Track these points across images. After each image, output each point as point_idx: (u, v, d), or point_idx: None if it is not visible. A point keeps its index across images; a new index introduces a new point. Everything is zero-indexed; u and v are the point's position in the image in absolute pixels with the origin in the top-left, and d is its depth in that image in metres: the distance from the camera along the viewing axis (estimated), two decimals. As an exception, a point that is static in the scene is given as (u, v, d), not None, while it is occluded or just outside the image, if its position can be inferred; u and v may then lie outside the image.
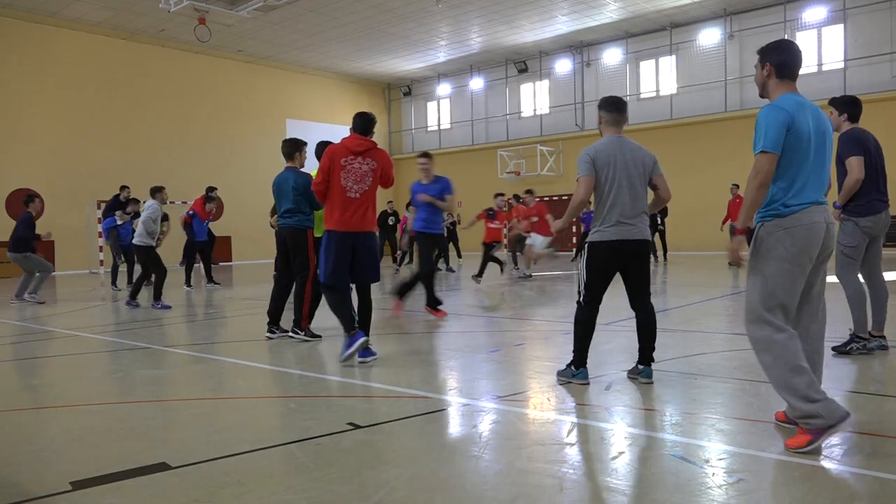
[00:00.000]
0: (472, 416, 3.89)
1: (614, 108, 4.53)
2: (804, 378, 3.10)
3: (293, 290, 6.78)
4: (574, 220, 4.48)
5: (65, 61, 20.46)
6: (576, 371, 4.50)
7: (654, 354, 4.50)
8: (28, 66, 19.79)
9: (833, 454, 3.05)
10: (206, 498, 2.72)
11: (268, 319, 6.83)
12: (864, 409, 3.79)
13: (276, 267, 6.98)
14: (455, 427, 3.73)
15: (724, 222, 16.52)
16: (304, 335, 6.66)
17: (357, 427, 3.64)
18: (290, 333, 6.73)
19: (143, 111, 22.14)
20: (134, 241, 10.07)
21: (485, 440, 3.43)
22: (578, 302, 4.50)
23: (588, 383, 4.46)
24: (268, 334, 6.81)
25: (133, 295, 10.13)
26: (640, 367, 4.50)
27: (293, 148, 6.76)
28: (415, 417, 3.87)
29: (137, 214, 13.43)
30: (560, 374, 4.62)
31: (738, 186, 16.00)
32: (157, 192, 10.14)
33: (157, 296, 9.86)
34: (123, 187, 13.76)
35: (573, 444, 3.32)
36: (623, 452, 3.17)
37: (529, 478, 2.90)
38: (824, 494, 2.64)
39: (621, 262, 4.43)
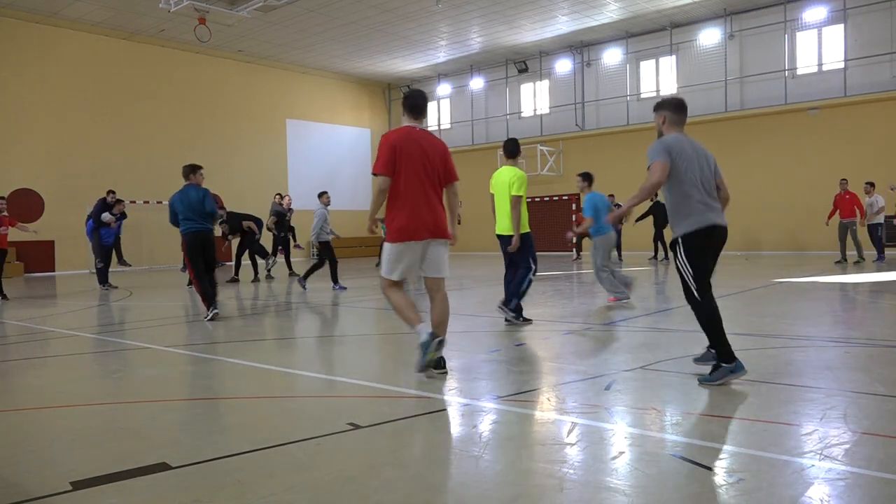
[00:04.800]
0: (472, 416, 3.89)
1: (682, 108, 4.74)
2: None
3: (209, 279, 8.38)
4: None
5: (65, 61, 20.47)
6: (731, 365, 4.36)
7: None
8: (28, 66, 19.80)
9: (833, 454, 3.05)
10: (207, 498, 2.72)
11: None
12: (865, 410, 3.79)
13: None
14: (455, 427, 3.73)
15: (829, 216, 15.97)
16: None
17: (357, 427, 3.64)
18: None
19: (143, 111, 22.14)
20: (321, 239, 12.16)
21: (485, 440, 3.42)
22: (693, 298, 4.48)
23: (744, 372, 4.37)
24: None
25: (306, 276, 12.19)
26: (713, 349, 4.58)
27: (190, 170, 8.48)
28: (415, 417, 3.87)
29: (124, 215, 13.97)
30: (710, 379, 4.38)
31: (846, 181, 15.52)
32: (322, 195, 12.57)
33: (336, 279, 12.01)
34: (110, 191, 14.25)
35: (573, 444, 3.32)
36: (623, 452, 3.17)
37: (529, 478, 2.90)
38: (824, 494, 2.64)
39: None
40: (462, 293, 11.12)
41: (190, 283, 13.22)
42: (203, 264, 8.33)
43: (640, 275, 14.37)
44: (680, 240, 4.50)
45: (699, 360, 4.65)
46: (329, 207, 12.60)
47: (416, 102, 5.01)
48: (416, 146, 4.86)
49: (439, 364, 4.84)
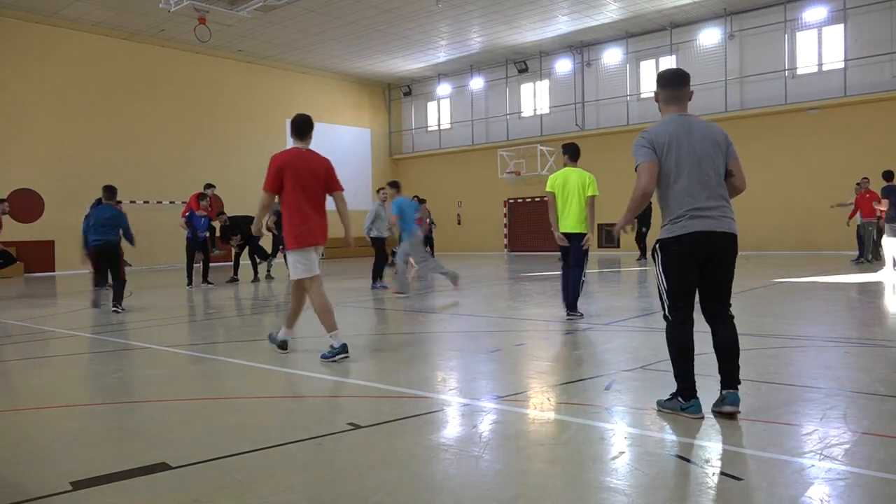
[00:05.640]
0: (472, 416, 3.89)
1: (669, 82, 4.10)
2: None
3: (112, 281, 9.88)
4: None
5: (65, 61, 20.46)
6: (685, 403, 3.64)
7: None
8: (28, 66, 19.78)
9: (833, 454, 3.05)
10: (206, 498, 2.72)
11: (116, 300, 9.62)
12: (865, 410, 3.79)
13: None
14: (455, 427, 3.73)
15: (850, 217, 15.67)
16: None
17: (357, 427, 3.64)
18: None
19: (143, 111, 22.13)
20: (372, 235, 12.18)
21: (485, 440, 3.42)
22: (665, 317, 3.76)
23: (702, 417, 3.61)
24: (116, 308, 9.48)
25: (377, 278, 12.13)
26: (724, 392, 3.68)
27: (113, 193, 9.91)
28: (415, 417, 3.87)
29: None
30: (661, 404, 3.79)
31: (867, 180, 15.08)
32: (379, 191, 12.72)
33: (379, 277, 12.12)
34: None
35: (573, 444, 3.32)
36: (623, 452, 3.17)
37: (529, 478, 2.90)
38: (824, 494, 2.64)
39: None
40: (463, 293, 11.11)
41: (189, 284, 13.29)
42: (107, 270, 9.93)
43: (632, 276, 14.36)
44: (657, 246, 3.75)
45: (715, 406, 3.70)
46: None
47: (300, 126, 5.82)
48: (303, 164, 5.61)
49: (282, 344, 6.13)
